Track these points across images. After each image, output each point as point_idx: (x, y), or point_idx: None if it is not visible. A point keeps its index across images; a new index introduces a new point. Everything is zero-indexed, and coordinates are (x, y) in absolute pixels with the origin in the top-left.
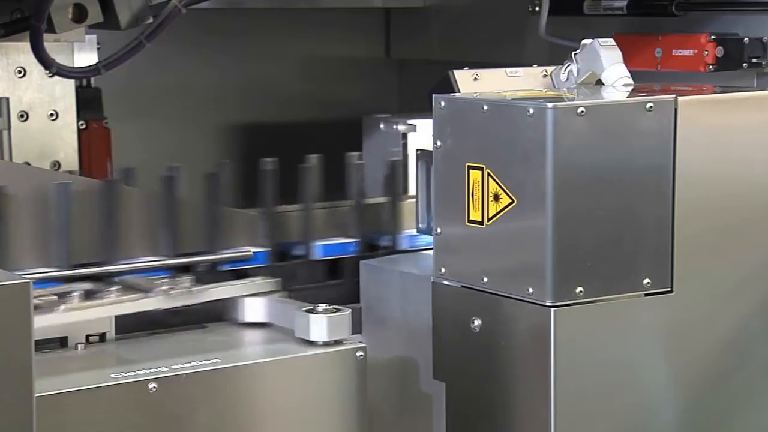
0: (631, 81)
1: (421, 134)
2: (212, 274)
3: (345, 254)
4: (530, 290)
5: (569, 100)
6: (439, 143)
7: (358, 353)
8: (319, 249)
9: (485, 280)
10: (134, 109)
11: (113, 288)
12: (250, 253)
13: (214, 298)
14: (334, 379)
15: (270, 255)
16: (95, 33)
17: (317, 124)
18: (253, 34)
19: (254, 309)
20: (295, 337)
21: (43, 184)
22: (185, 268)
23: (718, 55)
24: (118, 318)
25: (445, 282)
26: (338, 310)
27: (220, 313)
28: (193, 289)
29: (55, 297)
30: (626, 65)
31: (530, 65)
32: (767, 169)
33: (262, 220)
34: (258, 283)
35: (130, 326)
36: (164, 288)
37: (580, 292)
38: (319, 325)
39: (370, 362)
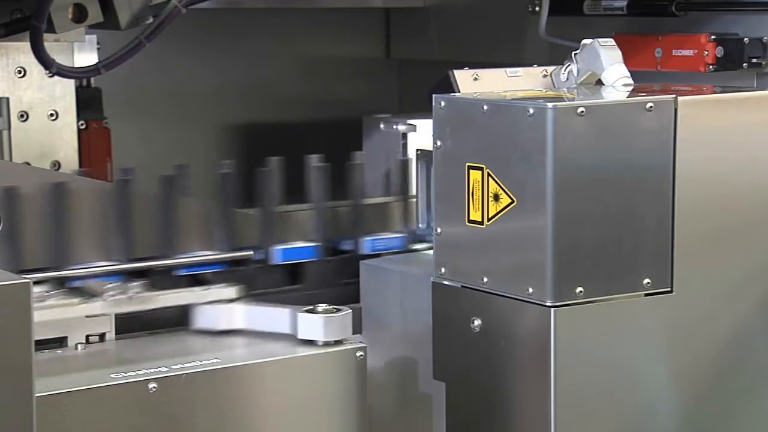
0: (631, 81)
1: (421, 134)
2: (169, 279)
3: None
4: (530, 290)
5: (569, 100)
6: (439, 143)
7: (358, 353)
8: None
9: (485, 280)
10: (134, 109)
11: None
12: (250, 253)
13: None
14: (334, 379)
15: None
16: (95, 33)
17: (317, 124)
18: (253, 34)
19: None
20: (295, 337)
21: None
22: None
23: (718, 55)
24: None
25: (445, 282)
26: (338, 310)
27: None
28: (147, 294)
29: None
30: (626, 65)
31: (530, 65)
32: (767, 169)
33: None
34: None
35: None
36: (113, 293)
37: (580, 292)
38: (319, 325)
39: (369, 362)
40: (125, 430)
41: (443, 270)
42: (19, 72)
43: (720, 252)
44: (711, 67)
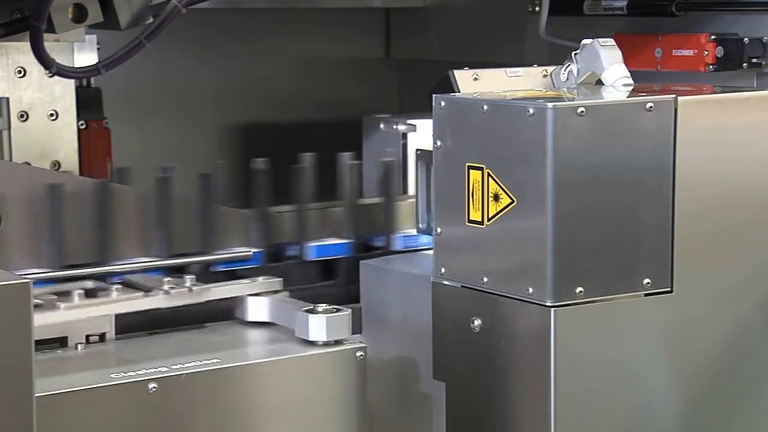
0: (631, 81)
1: (421, 134)
2: (210, 274)
3: (339, 255)
4: (530, 290)
5: (569, 100)
6: (439, 143)
7: (358, 353)
8: (313, 250)
9: (485, 280)
10: (134, 109)
11: (113, 287)
12: (250, 253)
13: (217, 297)
14: (334, 379)
15: (265, 255)
16: (95, 33)
17: (317, 124)
18: (253, 34)
19: (258, 309)
20: (295, 337)
21: (39, 185)
22: (180, 269)
23: (718, 55)
24: (119, 317)
25: (445, 282)
26: (338, 310)
27: (223, 314)
28: (194, 288)
29: (54, 296)
30: (626, 65)
31: (530, 65)
32: (767, 169)
33: (256, 221)
34: (260, 282)
35: (132, 326)
36: (165, 287)
37: (580, 292)
38: (319, 325)
39: (370, 362)
40: (125, 430)
41: (443, 270)
42: (19, 72)
43: (720, 252)
44: (711, 67)
